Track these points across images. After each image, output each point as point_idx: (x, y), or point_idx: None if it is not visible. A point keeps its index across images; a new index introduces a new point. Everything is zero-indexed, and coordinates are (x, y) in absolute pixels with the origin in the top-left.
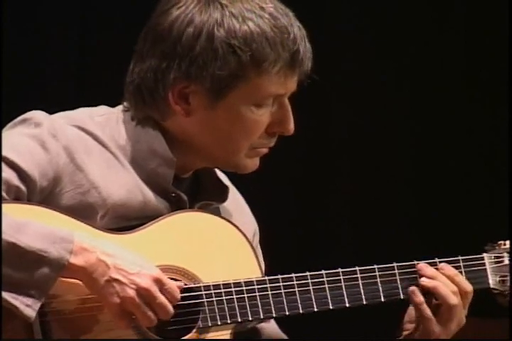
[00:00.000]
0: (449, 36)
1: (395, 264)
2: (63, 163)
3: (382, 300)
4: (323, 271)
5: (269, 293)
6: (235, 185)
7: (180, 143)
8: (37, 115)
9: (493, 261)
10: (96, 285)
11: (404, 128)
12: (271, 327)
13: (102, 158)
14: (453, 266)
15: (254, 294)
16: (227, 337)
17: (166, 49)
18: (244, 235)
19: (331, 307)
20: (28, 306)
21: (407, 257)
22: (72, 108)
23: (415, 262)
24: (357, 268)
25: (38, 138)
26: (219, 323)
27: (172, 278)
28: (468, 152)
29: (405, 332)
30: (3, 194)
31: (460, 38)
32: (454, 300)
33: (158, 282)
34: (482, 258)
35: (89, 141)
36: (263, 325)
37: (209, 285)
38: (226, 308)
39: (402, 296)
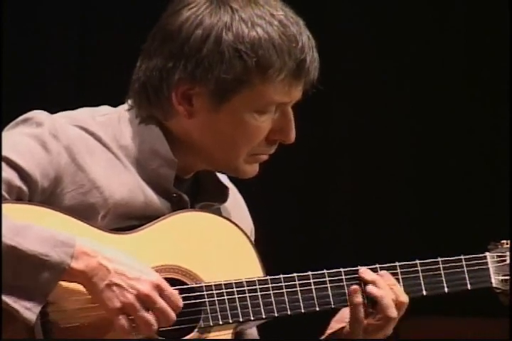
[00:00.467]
0: (449, 35)
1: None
2: (64, 163)
3: None
4: (325, 271)
5: (271, 292)
6: (236, 185)
7: (182, 143)
8: (38, 115)
9: (495, 260)
10: (96, 289)
11: (405, 128)
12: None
13: (103, 158)
14: (455, 265)
15: (255, 294)
16: (229, 336)
17: (174, 49)
18: (246, 234)
19: (332, 306)
20: (28, 309)
21: (408, 256)
22: (72, 108)
23: (359, 268)
24: (359, 267)
25: (39, 138)
26: (220, 323)
27: (174, 278)
28: (468, 151)
29: (329, 331)
30: (5, 194)
31: (461, 37)
32: (394, 313)
33: (158, 288)
34: (485, 257)
35: (90, 140)
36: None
37: (211, 285)
38: (228, 308)
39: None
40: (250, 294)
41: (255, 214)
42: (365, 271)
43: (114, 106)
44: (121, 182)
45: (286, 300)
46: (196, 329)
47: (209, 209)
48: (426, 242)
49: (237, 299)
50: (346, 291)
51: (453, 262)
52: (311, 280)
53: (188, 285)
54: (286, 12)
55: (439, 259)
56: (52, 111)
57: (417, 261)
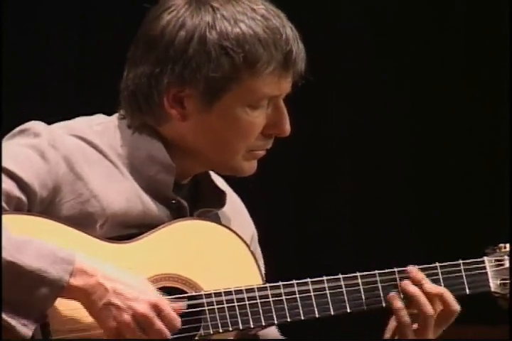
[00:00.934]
0: (449, 35)
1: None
2: (63, 172)
3: (383, 305)
4: (324, 277)
5: (271, 299)
6: (235, 185)
7: (178, 148)
8: (35, 125)
9: (493, 264)
10: (93, 307)
11: (404, 128)
12: (273, 333)
13: (101, 167)
14: (453, 270)
15: (255, 301)
16: None
17: (159, 54)
18: (245, 242)
19: (332, 313)
20: (24, 326)
21: (408, 257)
22: (72, 108)
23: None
24: (358, 273)
25: (38, 149)
26: (220, 331)
27: (173, 287)
28: (468, 151)
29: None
30: (4, 205)
31: (461, 36)
32: (430, 310)
33: (156, 308)
34: (483, 262)
35: (88, 150)
36: (265, 331)
37: (210, 293)
38: (227, 315)
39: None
40: (250, 302)
41: (254, 215)
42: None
43: (114, 107)
44: (119, 191)
45: (286, 307)
46: (196, 338)
47: (207, 215)
48: (426, 242)
49: (236, 307)
50: (345, 298)
51: (451, 267)
52: (310, 287)
53: (187, 293)
54: (267, 5)
55: (437, 264)
56: (52, 111)
57: (415, 267)
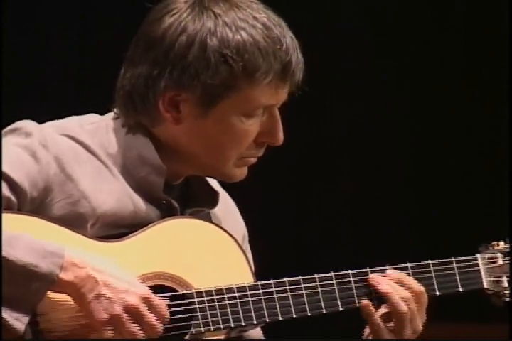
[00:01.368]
0: (449, 35)
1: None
2: (53, 173)
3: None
4: (315, 275)
5: (262, 298)
6: (234, 185)
7: (171, 150)
8: (27, 125)
9: (486, 261)
10: (84, 300)
11: (404, 127)
12: (257, 333)
13: (92, 167)
14: (446, 268)
15: (246, 299)
16: None
17: (159, 56)
18: (235, 240)
19: (324, 311)
20: (16, 319)
21: (407, 257)
22: (72, 108)
23: (368, 269)
24: (349, 271)
25: (29, 149)
26: (212, 329)
27: (164, 285)
28: (468, 151)
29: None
30: None
31: (460, 36)
32: (403, 307)
33: (146, 300)
34: (475, 259)
35: (79, 150)
36: (248, 332)
37: (201, 291)
38: (219, 314)
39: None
40: (241, 300)
41: (254, 215)
42: (373, 277)
43: (113, 107)
44: (110, 191)
45: (277, 305)
46: (187, 336)
47: (199, 214)
48: (425, 242)
49: (227, 305)
50: (337, 295)
51: (444, 264)
52: (302, 285)
53: (178, 291)
54: (269, 14)
55: (430, 262)
56: (53, 111)
57: (408, 264)
